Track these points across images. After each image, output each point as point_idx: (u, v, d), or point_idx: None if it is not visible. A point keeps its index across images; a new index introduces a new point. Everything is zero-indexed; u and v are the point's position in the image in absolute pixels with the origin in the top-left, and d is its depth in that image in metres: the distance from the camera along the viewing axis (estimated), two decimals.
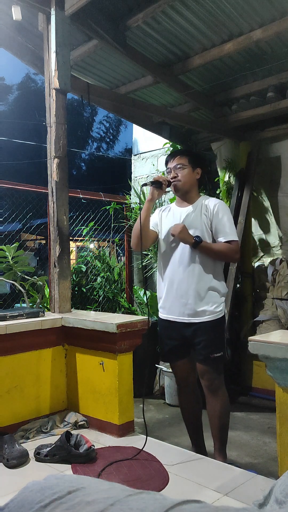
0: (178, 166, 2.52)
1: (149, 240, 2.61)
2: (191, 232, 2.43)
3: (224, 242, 2.44)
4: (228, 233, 2.44)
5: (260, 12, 3.02)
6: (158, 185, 2.48)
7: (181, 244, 2.45)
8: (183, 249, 2.46)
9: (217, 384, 2.46)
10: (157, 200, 2.89)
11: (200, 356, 2.45)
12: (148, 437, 2.22)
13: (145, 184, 2.51)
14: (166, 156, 2.71)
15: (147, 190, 2.62)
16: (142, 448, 2.15)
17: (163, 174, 5.09)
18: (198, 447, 2.59)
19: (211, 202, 2.51)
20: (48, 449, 2.11)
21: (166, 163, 2.61)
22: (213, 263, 2.46)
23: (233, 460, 2.72)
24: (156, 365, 4.19)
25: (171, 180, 2.51)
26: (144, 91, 4.12)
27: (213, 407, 2.46)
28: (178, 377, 2.63)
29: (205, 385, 2.48)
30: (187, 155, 2.56)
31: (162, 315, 2.58)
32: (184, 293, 2.44)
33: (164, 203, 4.90)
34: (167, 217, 2.61)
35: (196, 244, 2.38)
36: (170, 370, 3.92)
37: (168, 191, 2.71)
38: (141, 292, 4.94)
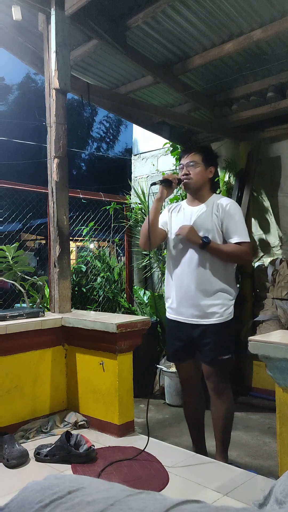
0: (191, 163, 2.48)
1: (157, 239, 2.58)
2: (201, 232, 2.39)
3: (235, 243, 2.39)
4: (239, 234, 2.39)
5: (260, 12, 3.02)
6: (167, 183, 2.45)
7: (191, 245, 2.42)
8: (193, 249, 2.42)
9: (222, 386, 2.44)
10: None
11: (207, 358, 2.43)
12: (149, 438, 2.22)
13: (154, 183, 2.47)
14: (181, 151, 2.67)
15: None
16: (144, 449, 2.14)
17: (163, 173, 5.10)
18: (199, 447, 2.58)
19: (222, 202, 2.46)
20: (48, 449, 2.11)
21: (180, 159, 2.58)
22: (224, 264, 2.42)
23: (233, 460, 2.72)
24: (156, 365, 4.19)
25: (182, 178, 2.48)
26: (144, 91, 4.12)
27: (217, 409, 2.45)
28: (182, 378, 2.62)
29: (210, 387, 2.46)
30: (201, 153, 2.51)
31: (170, 315, 2.56)
32: (193, 294, 2.41)
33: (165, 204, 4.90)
34: (177, 216, 2.57)
35: (204, 245, 2.34)
36: (170, 370, 3.94)
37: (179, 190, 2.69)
38: (141, 292, 4.94)
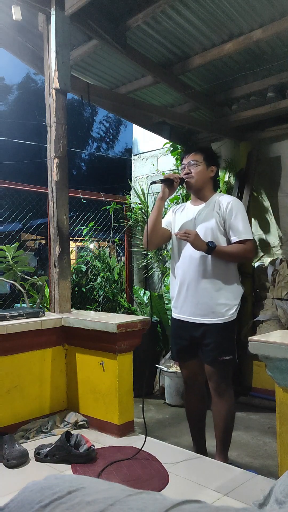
0: (192, 162, 2.49)
1: (161, 239, 2.58)
2: (202, 229, 2.39)
3: (238, 241, 2.39)
4: (242, 232, 2.39)
5: (260, 12, 3.02)
6: (169, 182, 2.45)
7: None
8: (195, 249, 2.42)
9: (224, 387, 2.44)
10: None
11: (208, 358, 2.42)
12: (148, 437, 2.22)
13: (154, 182, 2.47)
14: (183, 152, 2.69)
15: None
16: (141, 448, 2.14)
17: (163, 173, 5.10)
18: (199, 447, 2.58)
19: (224, 200, 2.46)
20: (48, 449, 2.11)
21: (181, 159, 2.59)
22: (226, 263, 2.42)
23: (233, 460, 2.72)
24: (156, 365, 4.19)
25: (184, 177, 2.48)
26: (144, 91, 4.12)
27: (218, 409, 2.45)
28: (185, 377, 2.62)
29: (212, 387, 2.45)
30: (202, 152, 2.53)
31: (174, 314, 2.57)
32: (195, 293, 2.42)
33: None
34: (181, 215, 2.58)
35: (210, 250, 2.33)
36: (170, 370, 3.94)
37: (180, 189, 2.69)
38: (141, 292, 4.94)
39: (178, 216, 2.60)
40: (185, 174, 2.49)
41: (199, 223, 2.43)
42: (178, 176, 2.48)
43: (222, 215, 2.42)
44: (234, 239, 2.40)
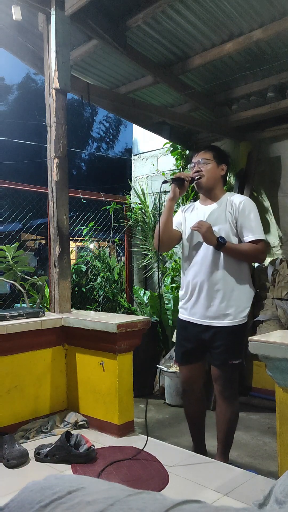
0: (202, 161, 2.43)
1: (173, 241, 2.52)
2: (215, 229, 2.33)
3: (250, 241, 2.33)
4: (254, 232, 2.33)
5: (260, 12, 3.02)
6: (180, 182, 2.39)
7: (205, 245, 2.36)
8: (207, 249, 2.37)
9: (230, 390, 2.41)
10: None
11: (217, 361, 2.38)
12: (148, 437, 2.22)
13: (165, 182, 2.42)
14: (191, 151, 2.64)
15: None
16: (143, 449, 2.14)
17: (163, 173, 5.10)
18: (199, 447, 2.57)
19: (236, 199, 2.40)
20: (48, 449, 2.11)
21: (191, 158, 2.54)
22: (238, 265, 2.37)
23: (233, 460, 2.72)
24: (156, 365, 4.19)
25: (194, 176, 2.42)
26: (144, 91, 4.12)
27: (223, 412, 2.42)
28: (184, 380, 2.56)
29: (218, 390, 2.42)
30: (212, 150, 2.47)
31: (183, 315, 2.51)
32: (207, 295, 2.37)
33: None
34: (191, 215, 2.51)
35: (220, 245, 2.28)
36: (170, 370, 3.94)
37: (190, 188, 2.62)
38: (141, 292, 4.94)
39: (188, 216, 2.53)
40: (195, 172, 2.43)
41: (211, 223, 2.35)
42: (189, 175, 2.42)
43: (234, 214, 2.36)
44: (246, 239, 2.34)
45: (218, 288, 2.35)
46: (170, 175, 4.58)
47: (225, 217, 2.38)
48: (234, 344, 2.36)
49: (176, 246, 2.81)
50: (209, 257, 2.36)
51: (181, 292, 2.56)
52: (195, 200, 2.81)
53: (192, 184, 2.49)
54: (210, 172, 2.43)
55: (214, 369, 2.42)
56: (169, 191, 2.48)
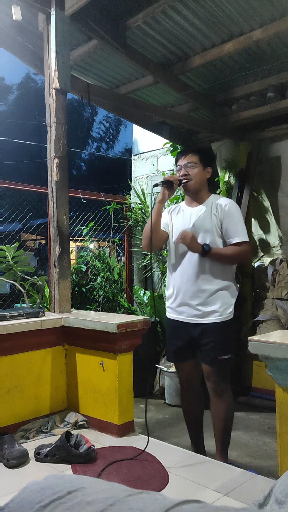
0: (189, 164, 2.49)
1: (160, 241, 2.59)
2: (201, 233, 2.41)
3: (235, 243, 2.41)
4: (239, 234, 2.41)
5: (260, 12, 3.02)
6: (169, 185, 2.45)
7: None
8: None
9: (222, 387, 2.44)
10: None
11: (207, 358, 2.43)
12: (149, 437, 2.22)
13: (156, 185, 2.47)
14: (177, 152, 2.68)
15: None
16: (144, 449, 2.14)
17: (163, 173, 5.10)
18: (198, 447, 2.59)
19: (221, 202, 2.47)
20: (48, 449, 2.11)
21: (177, 160, 2.58)
22: (222, 265, 2.44)
23: (233, 460, 2.72)
24: (156, 365, 4.19)
25: (182, 179, 2.48)
26: (144, 91, 4.12)
27: (217, 409, 2.45)
28: (181, 378, 2.62)
29: (210, 387, 2.46)
30: (198, 154, 2.53)
31: (171, 315, 2.57)
32: (192, 293, 2.43)
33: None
34: (177, 217, 2.58)
35: (205, 253, 2.36)
36: (170, 370, 3.94)
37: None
38: (141, 292, 4.94)
39: (174, 217, 2.60)
40: (182, 176, 2.49)
41: (197, 225, 2.44)
42: (178, 178, 2.48)
43: (219, 217, 2.44)
44: (231, 241, 2.42)
45: (204, 287, 2.41)
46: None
47: (210, 219, 2.45)
48: (222, 340, 2.41)
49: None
50: (195, 257, 2.43)
51: (167, 292, 2.61)
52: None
53: (180, 186, 2.54)
54: (197, 176, 2.49)
55: (205, 367, 2.47)
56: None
